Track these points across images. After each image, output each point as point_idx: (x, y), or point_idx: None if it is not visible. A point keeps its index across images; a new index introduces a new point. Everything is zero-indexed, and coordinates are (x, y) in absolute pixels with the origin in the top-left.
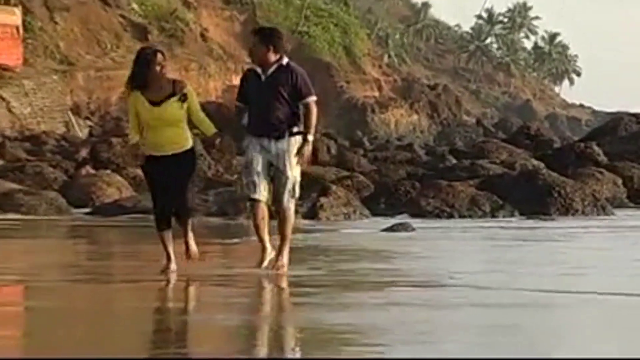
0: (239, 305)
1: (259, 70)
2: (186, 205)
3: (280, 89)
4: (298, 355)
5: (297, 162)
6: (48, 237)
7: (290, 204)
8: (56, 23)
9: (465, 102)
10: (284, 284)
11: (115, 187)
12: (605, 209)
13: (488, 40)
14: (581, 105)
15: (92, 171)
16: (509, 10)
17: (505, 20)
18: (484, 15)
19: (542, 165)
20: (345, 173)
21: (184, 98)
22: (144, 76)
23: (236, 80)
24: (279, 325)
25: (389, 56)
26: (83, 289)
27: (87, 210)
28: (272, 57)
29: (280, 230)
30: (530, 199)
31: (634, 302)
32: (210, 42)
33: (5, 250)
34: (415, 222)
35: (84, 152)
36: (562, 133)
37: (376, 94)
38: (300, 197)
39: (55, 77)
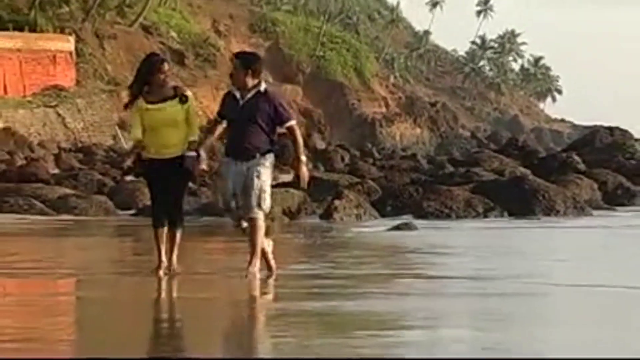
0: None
1: (237, 94)
2: (179, 215)
3: (257, 115)
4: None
5: (301, 182)
6: (98, 235)
7: (258, 213)
8: (104, 49)
9: (461, 117)
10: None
11: None
12: (584, 210)
13: (481, 63)
14: (563, 120)
15: (136, 178)
16: (499, 36)
17: (496, 45)
18: (478, 41)
19: (528, 172)
20: (357, 179)
21: (184, 99)
22: (147, 81)
23: None
24: (303, 310)
25: (395, 77)
26: (129, 281)
27: (132, 211)
28: (251, 81)
29: (251, 240)
30: (518, 201)
31: (618, 292)
32: None
33: (60, 247)
34: (418, 222)
35: (129, 162)
36: (546, 144)
37: (383, 110)
38: (317, 200)
39: (103, 96)
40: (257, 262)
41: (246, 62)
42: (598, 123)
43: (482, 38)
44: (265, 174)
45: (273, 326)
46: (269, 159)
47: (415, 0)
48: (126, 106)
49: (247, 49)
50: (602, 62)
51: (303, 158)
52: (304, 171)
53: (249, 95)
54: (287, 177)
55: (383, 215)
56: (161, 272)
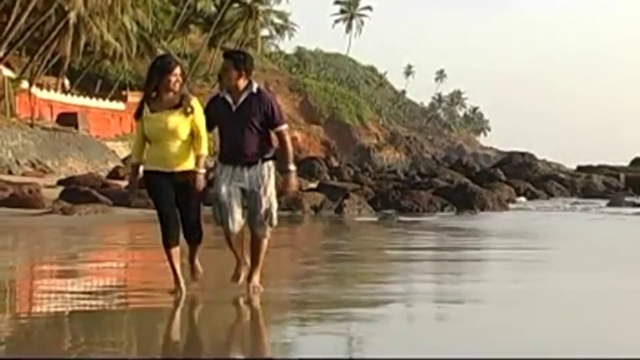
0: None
1: (228, 98)
2: (198, 229)
3: (252, 119)
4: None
5: (288, 193)
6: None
7: (265, 231)
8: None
9: (426, 146)
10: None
11: None
12: (506, 206)
13: (438, 111)
14: (491, 148)
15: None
16: (450, 94)
17: (448, 99)
18: (436, 97)
19: (469, 181)
20: (358, 186)
21: (190, 110)
22: (157, 83)
23: (296, 134)
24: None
25: (383, 120)
26: (210, 252)
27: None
28: (243, 82)
29: (253, 256)
30: (462, 200)
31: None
32: None
33: None
34: (399, 214)
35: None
36: (480, 163)
37: (375, 141)
38: (332, 199)
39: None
40: (258, 274)
41: (239, 62)
42: (514, 149)
43: (439, 95)
44: (270, 189)
45: (307, 281)
46: (271, 168)
47: (396, 70)
48: (136, 117)
49: (287, 102)
50: (519, 106)
51: (292, 167)
52: (293, 183)
53: (242, 98)
54: (313, 185)
55: (375, 209)
56: (180, 295)
